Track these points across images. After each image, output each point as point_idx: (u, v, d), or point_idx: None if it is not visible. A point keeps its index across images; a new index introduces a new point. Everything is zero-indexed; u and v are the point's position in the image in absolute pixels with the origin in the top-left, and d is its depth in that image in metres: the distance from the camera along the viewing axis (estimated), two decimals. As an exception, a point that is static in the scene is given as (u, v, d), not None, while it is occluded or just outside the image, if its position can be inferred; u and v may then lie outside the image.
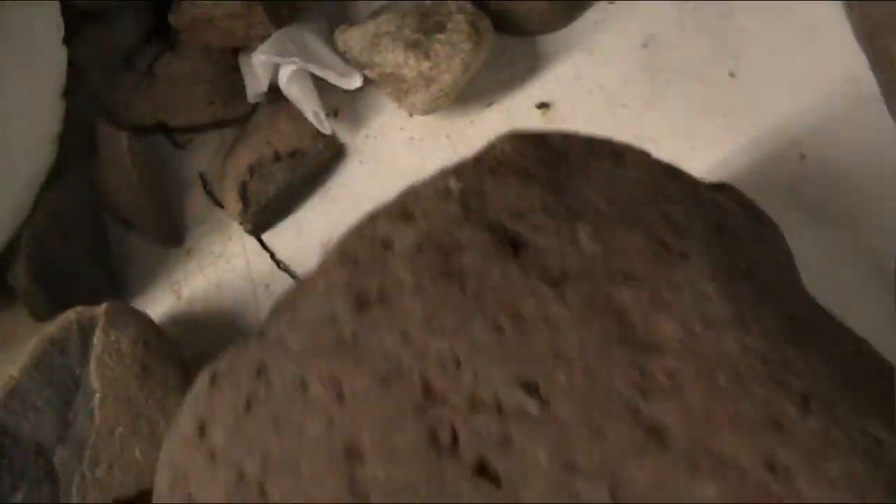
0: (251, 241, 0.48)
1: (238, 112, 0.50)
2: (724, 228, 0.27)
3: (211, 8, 0.47)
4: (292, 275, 0.47)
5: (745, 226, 0.29)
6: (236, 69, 0.51)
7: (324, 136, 0.47)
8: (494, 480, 0.23)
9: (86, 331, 0.44)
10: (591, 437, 0.23)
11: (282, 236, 0.48)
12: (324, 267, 0.28)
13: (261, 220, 0.47)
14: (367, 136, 0.49)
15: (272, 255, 0.47)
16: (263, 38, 0.47)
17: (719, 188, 0.30)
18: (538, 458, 0.23)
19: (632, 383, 0.23)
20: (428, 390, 0.24)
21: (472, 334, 0.25)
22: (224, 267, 0.49)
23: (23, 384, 0.44)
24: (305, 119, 0.47)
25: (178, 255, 0.50)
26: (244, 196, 0.46)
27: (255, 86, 0.48)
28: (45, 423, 0.44)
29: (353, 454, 0.24)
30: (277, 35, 0.47)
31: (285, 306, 0.29)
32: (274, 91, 0.48)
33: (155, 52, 0.53)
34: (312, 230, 0.47)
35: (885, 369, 0.27)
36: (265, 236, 0.48)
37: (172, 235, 0.50)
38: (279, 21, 0.47)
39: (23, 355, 0.45)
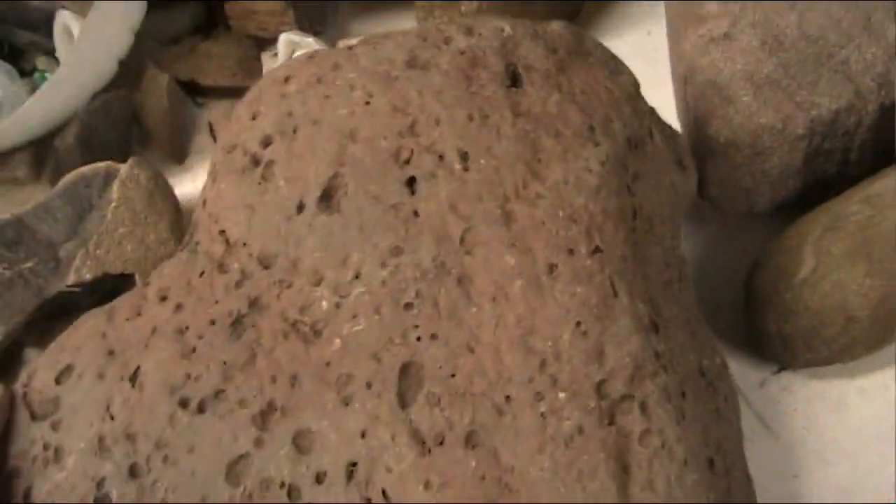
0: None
1: (251, 83, 0.71)
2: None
3: (257, 4, 0.70)
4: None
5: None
6: (258, 58, 0.73)
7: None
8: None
9: (110, 175, 0.60)
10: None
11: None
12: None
13: None
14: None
15: None
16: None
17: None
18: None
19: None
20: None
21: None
22: (212, 183, 0.68)
23: (50, 201, 0.60)
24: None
25: (179, 170, 0.69)
26: None
27: (271, 65, 0.70)
28: (59, 229, 0.59)
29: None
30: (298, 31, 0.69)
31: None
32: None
33: (199, 39, 0.75)
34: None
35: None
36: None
37: (179, 154, 0.69)
38: (303, 28, 0.70)
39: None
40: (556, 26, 0.47)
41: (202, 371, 0.40)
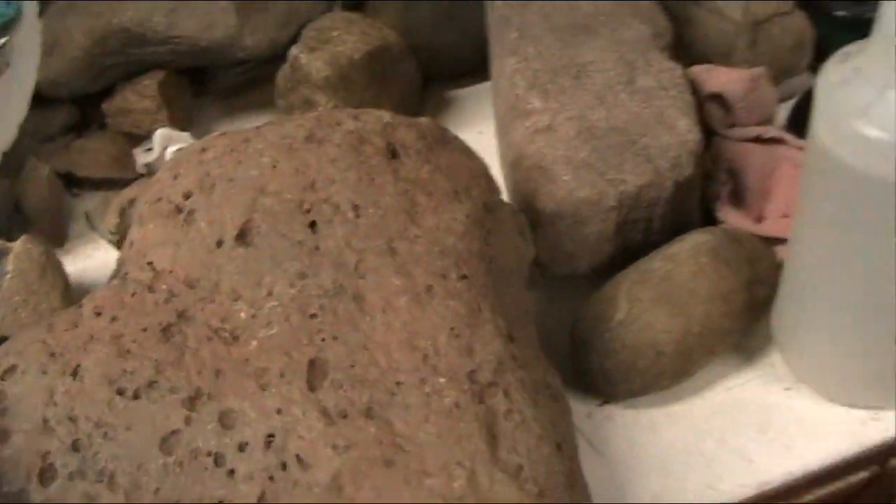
0: (115, 253, 0.75)
1: (127, 176, 0.80)
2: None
3: (134, 103, 0.79)
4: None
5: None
6: (129, 154, 0.81)
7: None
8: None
9: (1, 252, 0.67)
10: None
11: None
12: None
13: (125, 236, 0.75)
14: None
15: None
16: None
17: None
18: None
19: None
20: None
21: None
22: (90, 264, 0.75)
23: None
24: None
25: (60, 253, 0.75)
26: (122, 215, 0.74)
27: (144, 159, 0.79)
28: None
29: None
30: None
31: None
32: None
33: (73, 137, 0.83)
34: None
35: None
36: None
37: (58, 239, 0.77)
38: (174, 126, 0.80)
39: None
40: (424, 120, 0.59)
41: (136, 366, 0.47)
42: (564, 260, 0.67)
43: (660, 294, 0.60)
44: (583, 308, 0.63)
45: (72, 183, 0.81)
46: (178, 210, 0.53)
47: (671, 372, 0.61)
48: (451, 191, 0.55)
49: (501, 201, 0.59)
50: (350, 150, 0.55)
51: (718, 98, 0.74)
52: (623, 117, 0.67)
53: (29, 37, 0.73)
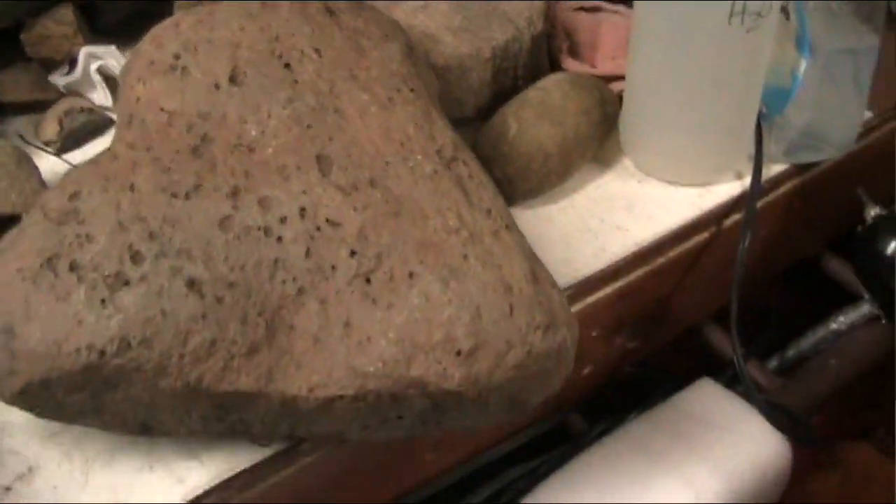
0: (54, 160, 0.84)
1: (50, 97, 0.89)
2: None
3: (52, 29, 0.88)
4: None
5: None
6: (46, 79, 0.90)
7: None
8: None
9: None
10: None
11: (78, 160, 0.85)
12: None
13: (66, 145, 0.85)
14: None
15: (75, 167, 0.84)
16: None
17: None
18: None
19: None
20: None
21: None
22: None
23: None
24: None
25: None
26: (60, 123, 0.84)
27: (65, 80, 0.88)
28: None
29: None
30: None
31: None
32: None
33: None
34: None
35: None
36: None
37: None
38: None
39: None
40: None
41: (180, 177, 0.60)
42: (454, 106, 0.83)
43: (540, 113, 0.78)
44: (479, 134, 0.80)
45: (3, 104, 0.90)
46: (173, 68, 0.65)
47: (557, 172, 0.78)
48: (382, 35, 0.69)
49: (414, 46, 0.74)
50: (298, 12, 0.68)
51: None
52: None
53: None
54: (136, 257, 0.56)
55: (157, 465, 0.62)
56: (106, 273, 0.55)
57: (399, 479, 0.74)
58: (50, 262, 0.56)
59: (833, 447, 1.08)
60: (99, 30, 0.96)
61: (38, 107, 0.89)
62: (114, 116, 0.89)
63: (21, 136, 0.87)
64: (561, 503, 0.73)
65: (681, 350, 0.90)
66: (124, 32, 0.97)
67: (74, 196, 0.59)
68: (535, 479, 0.76)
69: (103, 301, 0.55)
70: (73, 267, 0.56)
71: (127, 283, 0.55)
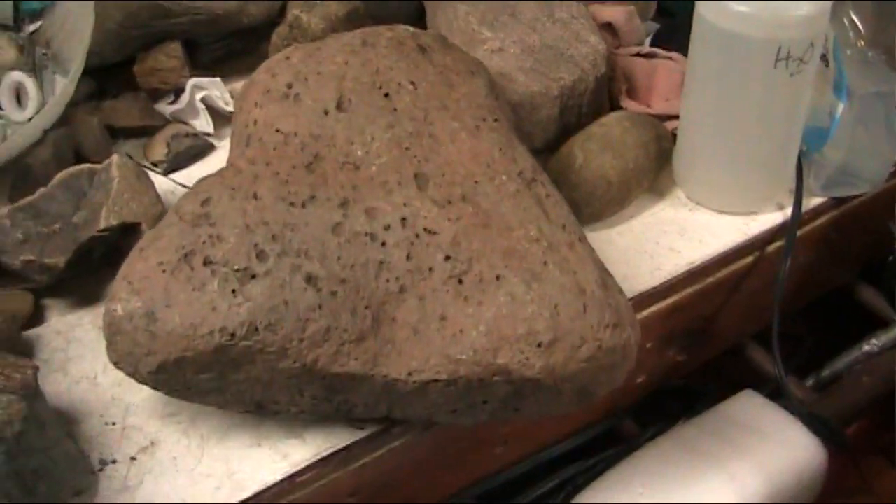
0: (159, 178, 0.93)
1: (157, 123, 0.98)
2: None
3: (163, 63, 0.98)
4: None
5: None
6: (153, 108, 1.00)
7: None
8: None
9: (93, 171, 0.84)
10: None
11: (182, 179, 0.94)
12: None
13: (173, 165, 0.95)
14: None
15: (181, 185, 0.93)
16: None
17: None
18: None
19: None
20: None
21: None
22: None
23: (51, 191, 0.81)
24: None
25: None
26: (169, 146, 0.94)
27: (171, 109, 0.98)
28: (65, 207, 0.82)
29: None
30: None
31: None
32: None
33: (96, 103, 1.00)
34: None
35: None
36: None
37: None
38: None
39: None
40: (431, 31, 0.82)
41: (297, 189, 0.68)
42: (525, 139, 0.91)
43: (603, 146, 0.86)
44: (549, 163, 0.88)
45: (110, 133, 0.99)
46: (286, 95, 0.74)
47: (617, 199, 0.86)
48: (468, 71, 0.78)
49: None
50: (395, 49, 0.77)
51: (608, 26, 1.02)
52: (551, 38, 0.93)
53: (81, 17, 0.92)
54: (261, 255, 0.65)
55: (265, 442, 0.70)
56: (235, 267, 0.64)
57: (471, 469, 0.82)
58: (187, 258, 0.64)
59: (864, 471, 1.15)
60: (199, 65, 1.06)
61: (145, 132, 0.99)
62: (214, 142, 0.99)
63: (130, 157, 0.97)
64: (614, 498, 0.80)
65: (725, 366, 0.99)
66: (221, 67, 1.08)
67: (206, 202, 0.68)
68: (591, 475, 0.84)
69: (234, 291, 0.63)
70: (206, 262, 0.64)
71: (254, 276, 0.64)
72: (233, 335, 0.62)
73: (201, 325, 0.62)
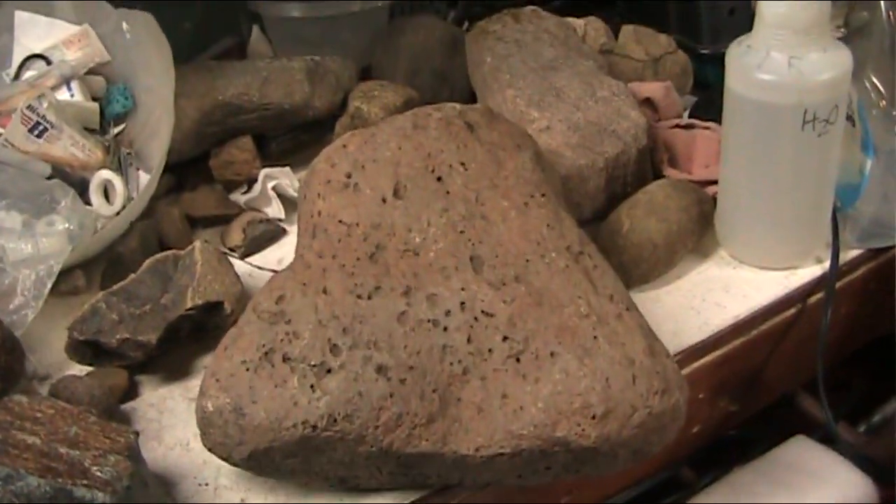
0: (237, 262, 0.99)
1: (232, 212, 1.04)
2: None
3: (236, 156, 1.05)
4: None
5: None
6: (228, 198, 1.06)
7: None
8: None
9: (177, 257, 0.90)
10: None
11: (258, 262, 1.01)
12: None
13: (249, 249, 1.01)
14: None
15: (258, 267, 1.00)
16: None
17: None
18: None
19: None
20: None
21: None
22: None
23: (140, 277, 0.87)
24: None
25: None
26: (245, 231, 1.01)
27: (244, 198, 1.04)
28: (153, 291, 0.87)
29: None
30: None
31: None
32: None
33: (175, 195, 1.06)
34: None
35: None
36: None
37: None
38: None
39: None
40: (479, 106, 0.86)
41: (362, 280, 0.72)
42: (575, 209, 0.93)
43: (648, 211, 0.89)
44: (599, 230, 0.91)
45: (190, 222, 1.04)
46: (346, 185, 0.78)
47: (663, 260, 0.89)
48: (515, 145, 0.82)
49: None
50: (444, 130, 0.81)
51: (648, 101, 1.08)
52: (595, 115, 0.97)
53: (161, 118, 0.98)
54: (334, 349, 0.69)
55: (346, 498, 0.74)
56: (312, 363, 0.69)
57: (539, 518, 0.87)
58: (267, 356, 0.69)
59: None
60: (268, 156, 1.12)
61: (221, 220, 1.05)
62: (286, 227, 1.05)
63: (207, 243, 1.03)
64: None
65: (777, 415, 1.03)
66: (289, 158, 1.13)
67: (280, 300, 0.73)
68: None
69: (312, 386, 0.67)
70: (285, 358, 0.69)
71: (329, 370, 0.68)
72: (314, 427, 0.67)
73: (285, 418, 0.67)
